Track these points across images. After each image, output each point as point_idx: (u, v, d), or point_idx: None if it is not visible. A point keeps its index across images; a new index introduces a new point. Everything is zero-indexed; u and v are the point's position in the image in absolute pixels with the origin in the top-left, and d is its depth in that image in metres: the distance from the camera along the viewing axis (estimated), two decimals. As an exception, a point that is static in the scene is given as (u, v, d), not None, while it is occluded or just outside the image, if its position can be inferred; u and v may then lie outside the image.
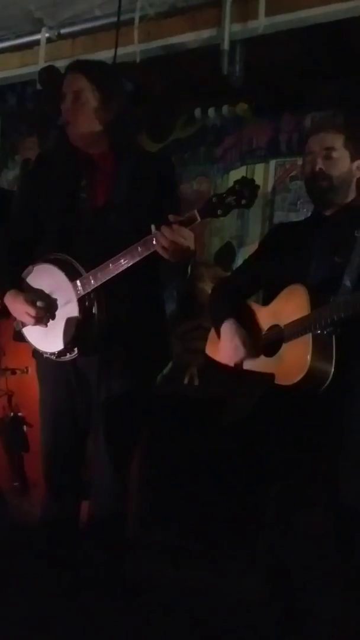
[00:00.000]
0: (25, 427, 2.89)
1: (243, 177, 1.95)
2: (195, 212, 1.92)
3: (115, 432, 2.24)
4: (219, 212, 1.89)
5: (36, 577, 2.33)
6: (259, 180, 3.87)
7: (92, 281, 2.07)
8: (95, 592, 2.29)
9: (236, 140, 4.00)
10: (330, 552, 2.06)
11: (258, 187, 1.90)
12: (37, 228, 2.27)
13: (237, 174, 3.87)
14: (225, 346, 2.16)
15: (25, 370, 2.84)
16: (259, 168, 3.95)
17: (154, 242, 1.95)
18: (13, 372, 2.94)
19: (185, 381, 3.14)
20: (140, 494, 2.83)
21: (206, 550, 2.77)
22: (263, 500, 2.13)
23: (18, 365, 2.89)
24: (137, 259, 1.99)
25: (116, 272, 2.03)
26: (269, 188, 3.91)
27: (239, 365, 2.15)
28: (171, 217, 1.93)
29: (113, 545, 2.29)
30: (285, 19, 2.72)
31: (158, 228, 1.93)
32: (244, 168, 3.95)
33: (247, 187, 1.88)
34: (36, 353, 2.30)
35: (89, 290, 2.08)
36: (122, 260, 2.01)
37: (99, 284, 2.06)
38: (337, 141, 2.09)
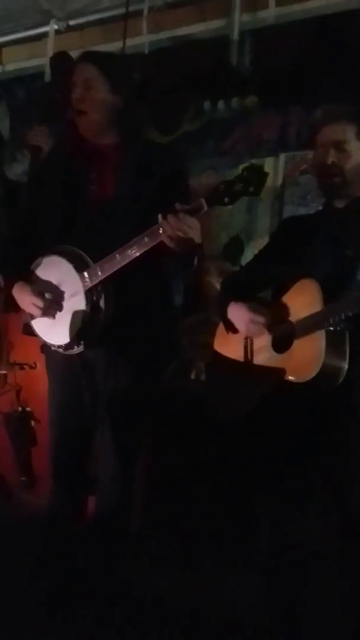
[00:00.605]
0: (33, 422, 2.87)
1: (251, 164, 1.93)
2: (202, 200, 1.89)
3: (121, 427, 2.23)
4: (227, 199, 1.86)
5: (39, 572, 2.34)
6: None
7: (100, 272, 2.05)
8: (95, 589, 2.28)
9: (245, 133, 3.95)
10: (336, 552, 2.04)
11: (267, 174, 1.87)
12: (45, 220, 2.26)
13: (246, 167, 3.86)
14: (241, 325, 2.13)
15: (33, 365, 2.82)
16: (269, 162, 3.89)
17: (160, 231, 1.93)
18: (21, 367, 2.92)
19: (192, 376, 3.12)
20: (144, 490, 2.83)
21: (208, 548, 2.74)
22: (269, 499, 2.13)
23: (26, 360, 2.87)
24: (145, 249, 1.97)
25: (124, 263, 2.01)
26: (279, 182, 3.87)
27: (247, 355, 2.12)
28: (177, 206, 1.90)
29: (115, 542, 2.29)
30: (296, 9, 2.69)
31: (165, 217, 1.91)
32: (252, 162, 3.94)
33: (255, 174, 1.85)
34: (45, 347, 2.30)
35: (97, 282, 2.07)
36: (130, 251, 2.00)
37: (106, 275, 2.05)
38: (348, 133, 2.04)
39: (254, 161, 3.87)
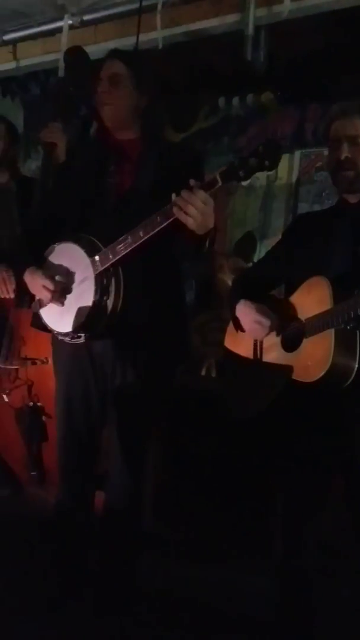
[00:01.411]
0: (44, 417, 2.87)
1: (266, 139, 1.92)
2: (217, 174, 1.87)
3: (129, 424, 2.23)
4: (242, 174, 1.83)
5: (46, 567, 2.36)
6: (283, 171, 3.83)
7: (111, 256, 2.05)
8: (105, 584, 2.29)
9: (260, 130, 3.94)
10: (348, 551, 2.04)
11: (282, 148, 1.87)
12: (64, 211, 2.28)
13: (260, 164, 3.83)
14: (247, 326, 2.12)
15: (45, 360, 2.83)
16: (284, 159, 3.84)
17: (174, 209, 1.90)
18: (33, 362, 2.93)
19: (203, 373, 3.12)
20: (154, 487, 2.83)
21: (219, 545, 2.77)
22: (279, 496, 2.11)
23: (38, 356, 2.88)
24: (157, 228, 1.96)
25: (135, 245, 2.00)
26: (294, 179, 3.85)
27: (257, 353, 2.11)
28: (192, 182, 1.88)
29: (126, 538, 2.30)
30: (311, 4, 2.66)
31: (178, 194, 1.89)
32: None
33: (271, 149, 1.82)
34: (54, 341, 2.30)
35: (107, 265, 2.06)
36: (141, 232, 1.98)
37: (117, 257, 2.04)
38: None
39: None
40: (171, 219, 1.92)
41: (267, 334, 2.10)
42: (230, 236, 3.95)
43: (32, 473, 2.91)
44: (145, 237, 1.98)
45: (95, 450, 2.32)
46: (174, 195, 1.90)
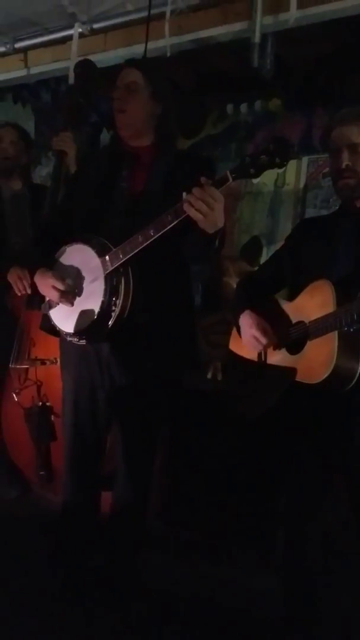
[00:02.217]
0: (52, 417, 2.90)
1: (276, 136, 1.94)
2: (228, 172, 1.88)
3: (135, 425, 2.25)
4: (252, 171, 1.85)
5: (53, 567, 2.37)
6: (290, 177, 3.85)
7: (121, 255, 2.06)
8: (111, 584, 2.31)
9: (268, 135, 3.94)
10: (350, 550, 2.07)
11: (293, 146, 1.87)
12: (76, 214, 2.29)
13: (268, 170, 3.85)
14: (245, 337, 2.15)
15: (54, 360, 2.85)
16: (291, 164, 3.87)
17: (185, 205, 1.91)
18: (43, 362, 2.96)
19: (209, 376, 3.13)
20: (160, 489, 2.84)
21: (224, 545, 2.78)
22: (283, 496, 2.12)
23: (47, 356, 2.92)
24: (168, 227, 1.96)
25: (145, 244, 2.01)
26: (301, 185, 3.87)
27: (261, 356, 2.13)
28: (203, 179, 1.89)
29: (132, 538, 2.32)
30: (316, 12, 2.69)
31: (189, 192, 1.90)
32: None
33: (281, 146, 1.84)
34: (62, 342, 2.32)
35: (118, 264, 2.07)
36: (152, 231, 1.99)
37: (128, 256, 2.05)
38: None
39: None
40: (182, 217, 1.93)
41: (263, 350, 2.13)
42: (237, 241, 3.97)
43: (41, 473, 2.93)
44: (156, 236, 1.98)
45: (101, 451, 2.33)
46: (184, 194, 1.91)
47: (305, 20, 2.75)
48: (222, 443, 2.85)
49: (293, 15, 2.69)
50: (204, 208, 1.88)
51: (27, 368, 3.00)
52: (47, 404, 2.92)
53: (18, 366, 3.02)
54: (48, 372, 2.91)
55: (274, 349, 2.11)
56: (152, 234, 1.99)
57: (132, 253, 2.04)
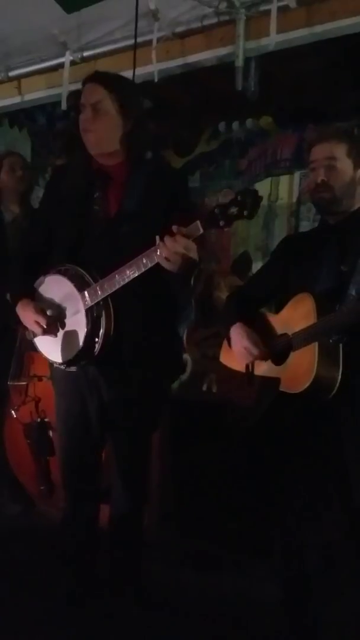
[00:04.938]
0: (51, 432, 2.95)
1: (246, 188, 1.97)
2: (198, 223, 1.91)
3: (127, 440, 2.28)
4: (222, 223, 1.87)
5: (54, 580, 2.40)
6: (283, 191, 3.94)
7: (99, 292, 2.10)
8: (112, 595, 2.34)
9: (261, 152, 4.05)
10: (346, 556, 2.08)
11: (261, 197, 1.89)
12: (51, 239, 2.30)
13: (262, 185, 3.93)
14: (236, 348, 2.20)
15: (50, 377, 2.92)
16: (284, 179, 3.98)
17: (157, 253, 1.97)
18: (39, 378, 3.02)
19: (204, 388, 3.18)
20: (159, 497, 2.89)
21: (222, 554, 2.80)
22: (278, 504, 2.18)
23: (45, 372, 2.93)
24: (143, 270, 2.02)
25: (122, 283, 2.06)
26: (294, 199, 3.95)
27: (250, 368, 2.19)
28: (174, 228, 1.93)
29: (130, 550, 2.34)
30: (295, 36, 2.78)
31: (162, 239, 1.94)
32: (269, 180, 4.00)
33: (249, 197, 1.86)
34: (50, 364, 2.34)
35: (97, 300, 2.11)
36: (128, 271, 2.04)
37: (105, 294, 2.09)
38: (339, 151, 2.08)
39: (269, 179, 4.02)
40: (156, 261, 1.99)
41: (250, 362, 2.18)
42: (234, 255, 4.05)
43: (41, 487, 2.99)
44: (133, 277, 2.04)
45: (96, 465, 2.35)
46: (157, 239, 1.95)
47: (285, 45, 2.83)
48: (223, 453, 2.89)
49: (273, 40, 2.77)
50: (175, 258, 1.94)
51: (27, 385, 3.06)
52: (46, 419, 2.98)
53: (16, 383, 3.08)
54: (46, 388, 2.93)
55: (264, 359, 2.17)
56: (128, 274, 2.04)
57: (110, 292, 2.09)
